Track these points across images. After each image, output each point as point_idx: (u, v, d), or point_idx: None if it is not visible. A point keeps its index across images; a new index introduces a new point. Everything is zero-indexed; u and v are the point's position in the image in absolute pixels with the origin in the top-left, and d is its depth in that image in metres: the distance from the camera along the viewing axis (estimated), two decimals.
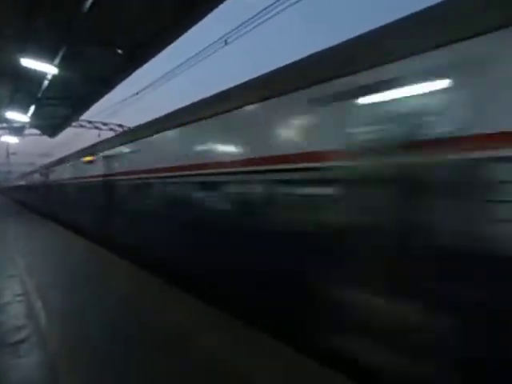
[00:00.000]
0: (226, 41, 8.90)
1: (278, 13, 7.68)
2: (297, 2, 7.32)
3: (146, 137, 7.08)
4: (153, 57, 10.54)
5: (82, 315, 4.59)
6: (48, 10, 7.64)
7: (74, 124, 23.72)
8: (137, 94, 14.19)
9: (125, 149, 8.14)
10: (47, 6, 7.52)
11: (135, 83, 14.73)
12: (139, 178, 7.26)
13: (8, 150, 41.09)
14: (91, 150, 10.75)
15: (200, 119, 5.25)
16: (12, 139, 24.43)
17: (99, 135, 24.02)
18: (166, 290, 5.41)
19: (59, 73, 10.46)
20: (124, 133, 10.85)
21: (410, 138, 2.66)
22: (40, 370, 3.26)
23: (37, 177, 22.73)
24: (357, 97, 3.04)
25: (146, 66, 11.20)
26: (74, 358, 3.41)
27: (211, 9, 8.06)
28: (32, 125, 22.55)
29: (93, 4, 6.98)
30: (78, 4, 7.13)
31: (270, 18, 7.83)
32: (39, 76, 11.24)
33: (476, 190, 2.38)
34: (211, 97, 5.52)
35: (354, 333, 3.02)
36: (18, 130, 23.50)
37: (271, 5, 7.49)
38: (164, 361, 3.25)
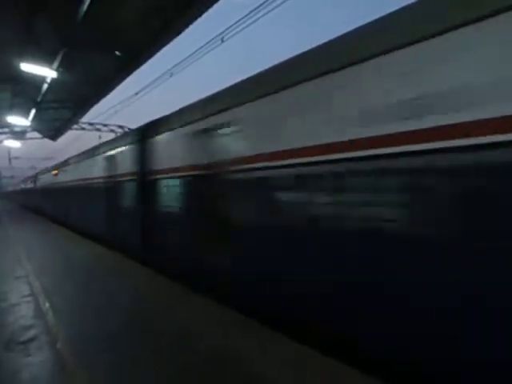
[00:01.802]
0: (222, 38, 8.94)
1: (274, 8, 7.73)
2: None
3: None
4: (151, 57, 10.59)
5: None
6: (46, 14, 7.71)
7: (75, 126, 23.82)
8: (136, 94, 14.27)
9: None
10: (45, 10, 7.59)
11: (135, 82, 14.81)
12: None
13: (10, 155, 41.27)
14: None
15: None
16: (14, 143, 24.57)
17: (100, 137, 24.13)
18: None
19: (58, 76, 10.52)
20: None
21: None
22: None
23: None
24: None
25: (145, 66, 11.28)
26: None
27: (208, 7, 8.09)
28: (33, 128, 22.67)
29: (89, 7, 7.04)
30: (75, 8, 7.19)
31: (266, 14, 7.88)
32: (39, 80, 11.31)
33: None
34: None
35: None
36: (19, 134, 23.64)
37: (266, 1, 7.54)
38: None
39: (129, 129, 23.68)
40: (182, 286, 5.69)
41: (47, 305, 5.09)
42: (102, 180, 10.32)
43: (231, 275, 4.91)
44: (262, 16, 7.88)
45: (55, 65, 9.91)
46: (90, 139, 22.80)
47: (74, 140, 26.86)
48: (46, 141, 27.38)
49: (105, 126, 25.69)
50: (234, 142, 4.91)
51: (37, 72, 10.12)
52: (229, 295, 4.88)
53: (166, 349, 3.54)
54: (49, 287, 6.00)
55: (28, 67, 9.73)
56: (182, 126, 6.11)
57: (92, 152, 11.66)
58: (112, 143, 10.02)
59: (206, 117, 5.39)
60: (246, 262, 4.65)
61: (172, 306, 4.78)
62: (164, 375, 3.06)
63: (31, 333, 4.14)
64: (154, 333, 3.95)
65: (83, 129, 25.22)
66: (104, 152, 10.15)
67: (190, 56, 9.59)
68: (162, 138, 6.90)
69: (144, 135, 7.64)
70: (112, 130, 25.79)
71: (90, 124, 25.11)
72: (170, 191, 6.61)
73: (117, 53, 10.01)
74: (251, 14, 8.02)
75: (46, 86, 11.78)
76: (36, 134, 25.72)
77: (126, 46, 9.79)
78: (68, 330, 4.15)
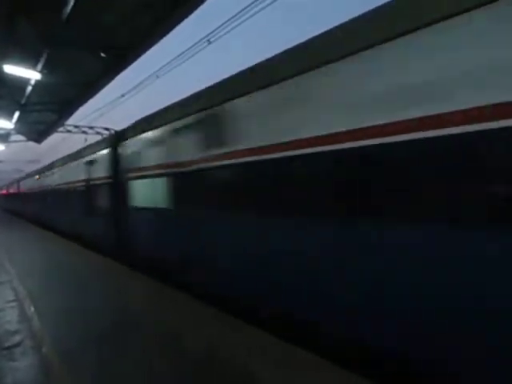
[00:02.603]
0: (209, 40, 8.97)
1: (263, 8, 7.77)
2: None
3: None
4: (137, 58, 10.49)
5: None
6: (29, 15, 7.60)
7: (60, 129, 23.46)
8: (122, 96, 14.15)
9: None
10: (28, 11, 7.48)
11: (121, 85, 14.69)
12: None
13: None
14: None
15: None
16: None
17: (86, 140, 23.80)
18: None
19: (43, 78, 10.37)
20: None
21: None
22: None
23: None
24: None
25: (131, 68, 11.18)
26: None
27: (195, 7, 8.08)
28: (17, 131, 22.25)
29: (74, 8, 6.97)
30: (59, 9, 7.11)
31: (254, 14, 7.93)
32: (22, 82, 11.12)
33: None
34: None
35: None
36: (3, 137, 23.15)
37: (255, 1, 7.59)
38: None
39: (115, 131, 23.42)
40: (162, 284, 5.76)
41: (32, 309, 5.02)
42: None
43: None
44: (250, 17, 7.95)
45: (39, 66, 9.76)
46: (76, 142, 22.49)
47: (60, 143, 26.48)
48: (30, 144, 26.87)
49: (91, 128, 25.36)
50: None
51: (20, 74, 9.96)
52: None
53: (155, 351, 3.54)
54: (33, 291, 5.91)
55: (11, 69, 9.57)
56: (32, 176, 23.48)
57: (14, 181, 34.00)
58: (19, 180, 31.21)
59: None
60: None
61: (152, 299, 4.77)
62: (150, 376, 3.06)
63: (16, 338, 4.08)
64: (141, 334, 3.93)
65: (69, 131, 24.85)
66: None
67: (176, 58, 9.58)
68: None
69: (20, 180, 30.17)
70: (98, 133, 25.47)
71: (76, 127, 24.75)
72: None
73: (102, 54, 9.92)
74: (237, 16, 8.08)
75: (30, 88, 11.59)
76: (20, 137, 25.22)
77: (112, 46, 9.70)
78: (53, 336, 4.10)
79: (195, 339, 3.72)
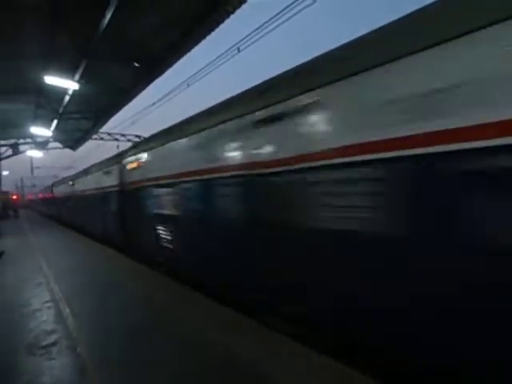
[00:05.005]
0: (238, 48, 9.07)
1: (289, 18, 7.80)
2: (310, 4, 7.39)
3: None
4: (169, 68, 10.83)
5: None
6: (69, 28, 8.00)
7: (94, 136, 24.37)
8: (153, 104, 14.55)
9: None
10: (68, 25, 7.89)
11: (152, 92, 15.12)
12: None
13: (32, 164, 42.37)
14: None
15: None
16: (36, 153, 25.30)
17: (118, 146, 24.57)
18: None
19: (80, 88, 10.84)
20: None
21: None
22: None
23: None
24: None
25: (162, 77, 11.53)
26: None
27: (224, 18, 8.25)
28: (55, 139, 23.32)
29: (110, 21, 7.27)
30: (97, 22, 7.44)
31: (282, 24, 7.95)
32: (61, 92, 11.68)
33: None
34: None
35: None
36: (41, 144, 24.35)
37: (282, 10, 7.62)
38: None
39: (144, 138, 24.07)
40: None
41: (67, 310, 5.19)
42: None
43: None
44: (278, 26, 7.97)
45: (77, 77, 10.22)
46: (108, 149, 23.32)
47: (93, 150, 27.48)
48: (66, 150, 28.09)
49: (123, 135, 26.18)
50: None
51: (59, 84, 10.46)
52: None
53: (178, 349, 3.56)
54: (68, 293, 6.12)
55: (51, 80, 10.07)
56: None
57: None
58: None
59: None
60: None
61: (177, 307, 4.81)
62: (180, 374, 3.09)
63: (52, 337, 4.22)
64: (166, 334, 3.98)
65: (102, 139, 25.75)
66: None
67: (206, 66, 9.76)
68: None
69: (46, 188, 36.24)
70: (129, 140, 26.24)
71: (109, 134, 25.64)
72: None
73: (136, 64, 10.28)
74: (266, 25, 8.13)
75: (67, 97, 12.15)
76: (57, 144, 26.42)
77: (144, 57, 10.06)
78: (88, 335, 4.22)
79: None
